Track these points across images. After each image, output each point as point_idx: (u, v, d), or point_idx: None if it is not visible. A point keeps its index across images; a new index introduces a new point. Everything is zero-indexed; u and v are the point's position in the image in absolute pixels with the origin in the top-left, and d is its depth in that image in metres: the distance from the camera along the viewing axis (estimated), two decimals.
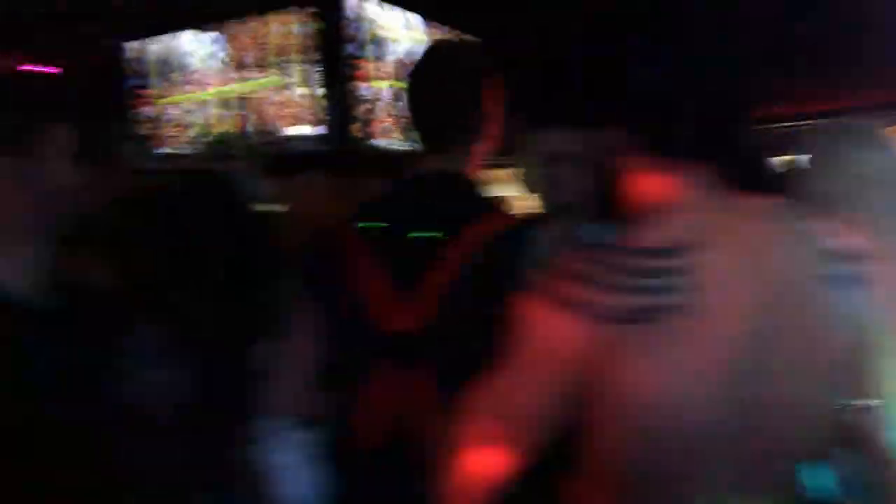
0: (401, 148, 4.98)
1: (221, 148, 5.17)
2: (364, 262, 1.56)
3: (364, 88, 4.95)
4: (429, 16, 5.30)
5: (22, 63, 5.72)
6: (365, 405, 1.55)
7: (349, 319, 1.55)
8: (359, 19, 4.91)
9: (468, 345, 1.44)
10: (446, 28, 5.43)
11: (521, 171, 2.50)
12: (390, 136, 5.26)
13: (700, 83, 1.25)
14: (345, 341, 1.59)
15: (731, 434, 1.18)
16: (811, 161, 1.94)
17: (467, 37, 5.50)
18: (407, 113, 1.68)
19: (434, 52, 1.73)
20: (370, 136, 5.13)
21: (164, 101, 5.40)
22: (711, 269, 1.17)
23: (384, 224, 1.60)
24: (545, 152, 2.34)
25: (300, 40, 4.90)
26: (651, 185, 1.28)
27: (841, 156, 1.84)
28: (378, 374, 1.55)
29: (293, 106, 5.01)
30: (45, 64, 5.76)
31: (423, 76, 1.67)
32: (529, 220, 1.68)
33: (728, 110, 1.29)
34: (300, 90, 4.98)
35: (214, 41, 5.26)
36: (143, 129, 5.43)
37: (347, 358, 1.59)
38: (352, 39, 4.84)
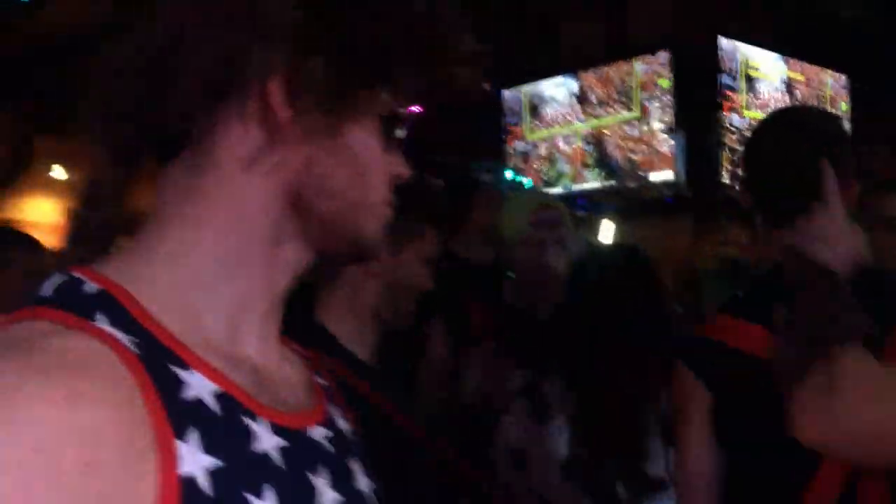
0: None
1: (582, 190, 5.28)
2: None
3: (738, 120, 4.77)
4: (796, 54, 4.98)
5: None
6: None
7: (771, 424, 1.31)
8: (731, 55, 4.77)
9: None
10: (816, 66, 5.09)
11: None
12: None
13: None
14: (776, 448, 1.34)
15: None
16: None
17: (833, 73, 5.11)
18: (748, 190, 1.46)
19: (781, 121, 1.50)
20: (737, 179, 4.88)
21: (533, 136, 5.81)
22: None
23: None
24: None
25: (666, 81, 4.86)
26: None
27: None
28: (824, 468, 1.29)
29: (655, 147, 4.98)
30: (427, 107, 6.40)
31: (772, 146, 1.44)
32: None
33: None
34: (660, 126, 4.94)
35: (578, 84, 5.44)
36: (514, 164, 5.79)
37: (784, 468, 1.34)
38: (725, 72, 4.71)
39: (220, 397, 0.55)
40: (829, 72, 5.28)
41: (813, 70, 5.21)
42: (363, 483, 0.69)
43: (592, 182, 5.41)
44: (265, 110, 0.59)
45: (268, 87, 0.59)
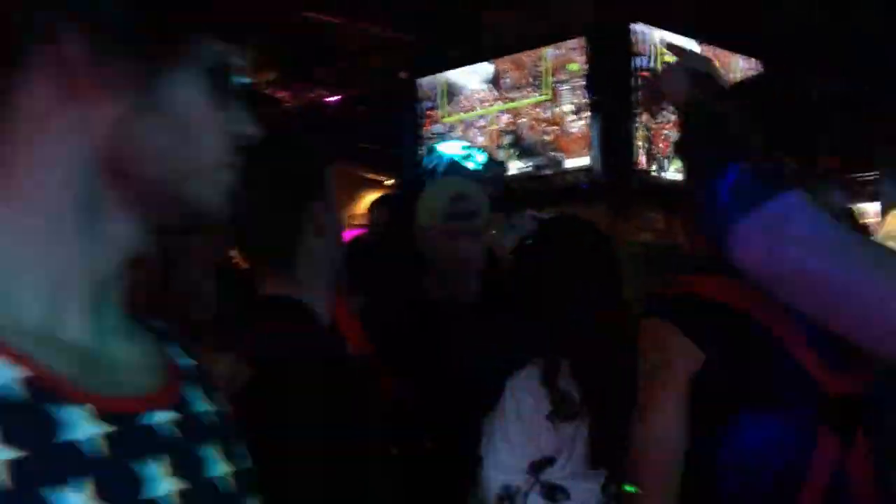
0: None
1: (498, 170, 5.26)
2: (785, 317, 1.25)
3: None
4: (706, 39, 5.13)
5: (327, 94, 6.38)
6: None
7: (790, 379, 1.27)
8: (645, 38, 4.83)
9: None
10: (727, 51, 5.27)
11: None
12: (673, 165, 5.04)
13: None
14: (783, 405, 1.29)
15: None
16: None
17: (743, 57, 5.35)
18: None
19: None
20: (653, 163, 4.96)
21: (448, 119, 5.79)
22: None
23: None
24: None
25: (575, 65, 4.92)
26: None
27: None
28: (822, 442, 1.27)
29: (566, 129, 5.03)
30: (348, 93, 6.37)
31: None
32: None
33: None
34: (570, 108, 5.00)
35: (493, 68, 5.49)
36: (427, 145, 5.79)
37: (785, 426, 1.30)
38: (640, 55, 4.77)
39: (28, 384, 0.52)
40: (740, 56, 5.39)
41: (724, 55, 5.31)
42: (218, 469, 0.64)
43: (510, 169, 5.42)
44: (62, 68, 0.55)
45: (62, 42, 0.54)
